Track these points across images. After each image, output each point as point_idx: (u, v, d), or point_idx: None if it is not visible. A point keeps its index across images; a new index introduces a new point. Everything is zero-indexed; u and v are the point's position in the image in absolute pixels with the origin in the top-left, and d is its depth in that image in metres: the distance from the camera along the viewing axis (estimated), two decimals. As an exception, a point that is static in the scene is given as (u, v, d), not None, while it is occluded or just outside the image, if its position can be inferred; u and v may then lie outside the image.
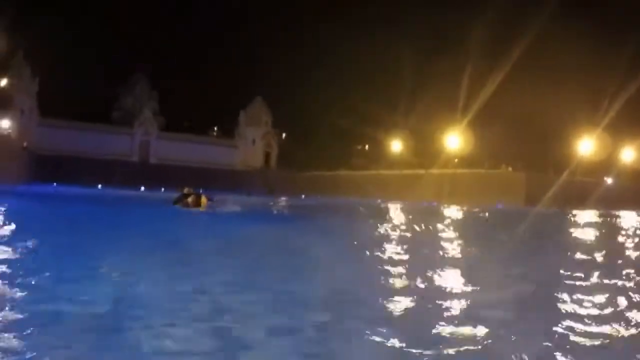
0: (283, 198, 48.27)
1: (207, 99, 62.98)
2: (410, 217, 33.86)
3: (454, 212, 40.32)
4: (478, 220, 35.41)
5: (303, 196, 50.86)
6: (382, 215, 32.80)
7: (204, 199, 26.95)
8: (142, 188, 46.88)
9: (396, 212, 36.78)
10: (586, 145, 56.26)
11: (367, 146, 73.28)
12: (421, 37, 57.63)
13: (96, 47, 53.81)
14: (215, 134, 71.01)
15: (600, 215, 39.72)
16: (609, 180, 55.24)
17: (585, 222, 32.68)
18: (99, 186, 45.58)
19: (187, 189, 27.75)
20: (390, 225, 24.91)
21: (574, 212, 42.48)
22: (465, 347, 5.21)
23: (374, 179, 63.15)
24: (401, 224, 27.70)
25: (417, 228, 25.96)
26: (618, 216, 39.67)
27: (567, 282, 9.49)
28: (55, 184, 43.24)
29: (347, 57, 61.37)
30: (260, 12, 67.42)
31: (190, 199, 26.58)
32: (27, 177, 45.51)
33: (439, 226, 26.85)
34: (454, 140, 60.03)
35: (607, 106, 48.86)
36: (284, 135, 71.46)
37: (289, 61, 64.29)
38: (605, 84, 49.48)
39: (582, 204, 45.09)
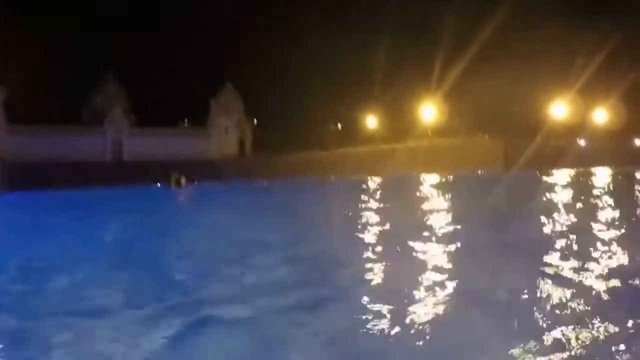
0: (260, 182, 48.73)
1: (175, 91, 62.02)
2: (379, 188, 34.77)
3: (430, 180, 41.16)
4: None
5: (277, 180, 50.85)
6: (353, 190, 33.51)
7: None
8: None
9: (368, 185, 37.60)
10: (559, 109, 57.22)
11: (339, 125, 73.18)
12: (396, 11, 57.09)
13: (60, 48, 52.52)
14: (186, 125, 70.05)
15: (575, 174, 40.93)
16: (582, 142, 56.40)
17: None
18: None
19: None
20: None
21: (551, 172, 43.60)
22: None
23: (350, 156, 63.37)
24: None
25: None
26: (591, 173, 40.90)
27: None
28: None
29: (317, 36, 60.73)
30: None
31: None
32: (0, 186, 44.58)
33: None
34: (429, 112, 60.42)
35: (579, 70, 49.65)
36: (255, 121, 70.92)
37: (256, 44, 63.69)
38: (577, 48, 50.20)
39: (557, 165, 46.13)
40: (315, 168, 60.55)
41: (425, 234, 13.17)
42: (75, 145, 55.58)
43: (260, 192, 39.11)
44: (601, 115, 59.35)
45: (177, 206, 29.88)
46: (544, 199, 25.18)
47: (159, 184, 45.28)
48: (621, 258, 10.19)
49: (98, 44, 58.65)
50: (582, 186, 32.35)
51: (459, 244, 11.25)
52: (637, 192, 30.55)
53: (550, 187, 31.60)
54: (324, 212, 20.32)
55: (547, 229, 14.54)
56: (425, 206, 21.10)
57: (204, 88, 65.28)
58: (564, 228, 14.96)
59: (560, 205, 22.36)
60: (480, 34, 48.58)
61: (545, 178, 38.94)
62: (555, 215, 17.88)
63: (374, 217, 17.77)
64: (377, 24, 58.65)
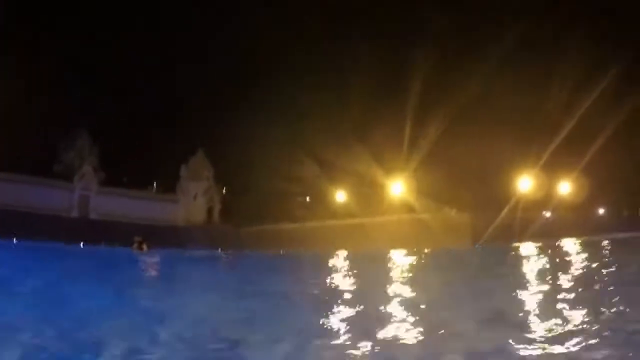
0: (225, 253, 49.32)
1: (147, 154, 61.96)
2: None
3: (399, 257, 41.30)
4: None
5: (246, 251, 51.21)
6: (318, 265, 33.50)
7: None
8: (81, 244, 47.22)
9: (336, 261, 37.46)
10: (525, 183, 59.60)
11: (307, 198, 73.56)
12: (364, 84, 59.19)
13: (37, 100, 52.69)
14: (154, 189, 69.50)
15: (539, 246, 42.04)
16: (547, 214, 58.55)
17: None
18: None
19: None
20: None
21: (516, 245, 44.66)
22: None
23: (318, 230, 63.49)
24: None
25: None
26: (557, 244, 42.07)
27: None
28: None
29: (288, 106, 62.08)
30: (193, 63, 67.29)
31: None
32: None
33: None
34: (398, 187, 61.81)
35: (544, 145, 52.18)
36: (224, 189, 70.89)
37: (228, 112, 64.53)
38: (542, 124, 52.85)
39: (523, 238, 47.43)
40: (282, 240, 60.34)
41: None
42: (42, 197, 54.68)
43: (221, 265, 39.12)
44: (566, 187, 61.88)
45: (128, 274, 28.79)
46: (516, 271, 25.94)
47: (122, 246, 46.94)
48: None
49: (74, 100, 58.58)
50: (552, 256, 33.23)
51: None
52: (605, 259, 31.65)
53: (521, 259, 32.43)
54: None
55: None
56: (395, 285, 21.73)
57: (176, 152, 65.51)
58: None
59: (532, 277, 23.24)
60: (447, 109, 50.98)
61: (514, 250, 39.66)
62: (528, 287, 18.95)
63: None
64: (346, 100, 60.61)
